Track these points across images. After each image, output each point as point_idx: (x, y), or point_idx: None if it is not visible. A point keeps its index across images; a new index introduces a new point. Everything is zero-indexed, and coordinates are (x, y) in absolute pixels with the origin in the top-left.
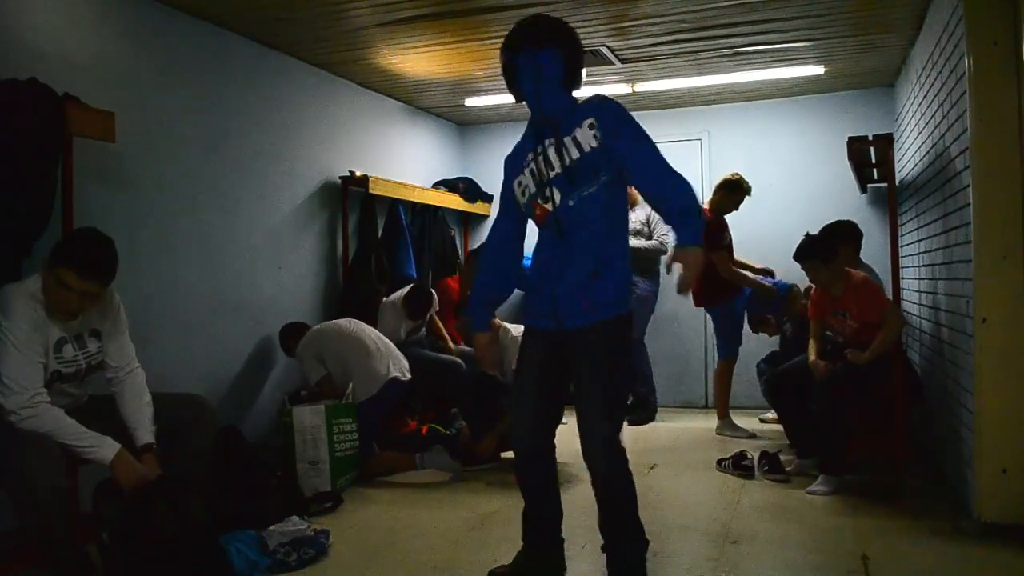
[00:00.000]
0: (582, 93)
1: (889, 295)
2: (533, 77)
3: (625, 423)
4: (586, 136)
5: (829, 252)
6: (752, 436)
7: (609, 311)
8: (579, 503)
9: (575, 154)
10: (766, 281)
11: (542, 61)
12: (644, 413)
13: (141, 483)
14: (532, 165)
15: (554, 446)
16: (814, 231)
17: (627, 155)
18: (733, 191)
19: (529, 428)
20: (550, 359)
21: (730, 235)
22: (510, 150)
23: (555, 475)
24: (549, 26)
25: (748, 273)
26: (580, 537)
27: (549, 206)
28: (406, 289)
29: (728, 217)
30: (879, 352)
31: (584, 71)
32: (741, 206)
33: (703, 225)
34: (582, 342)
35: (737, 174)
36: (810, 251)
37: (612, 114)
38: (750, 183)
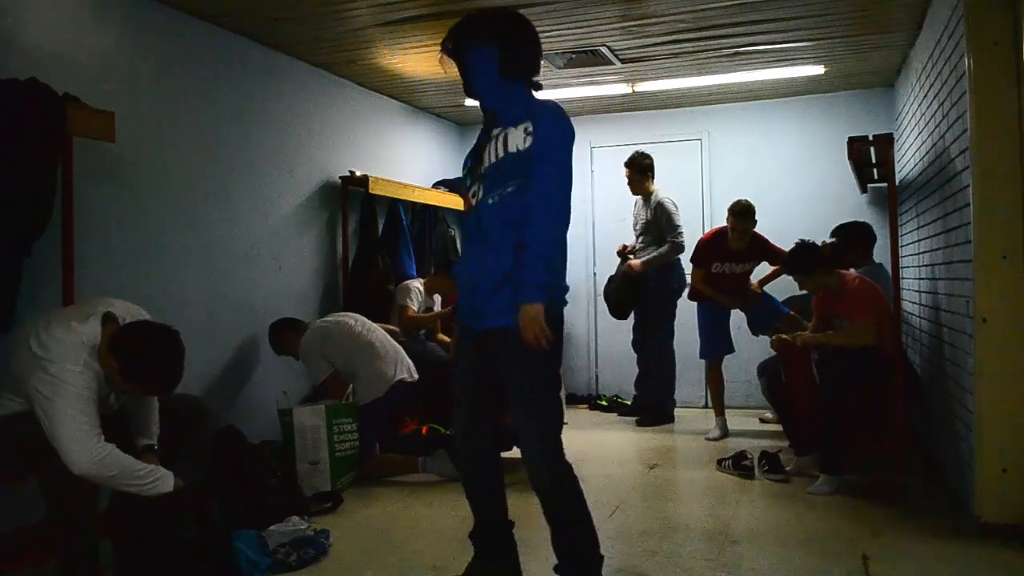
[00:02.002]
0: (581, 93)
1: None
2: (468, 76)
3: (636, 423)
4: (517, 137)
5: (806, 267)
6: (718, 438)
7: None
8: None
9: (501, 153)
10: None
11: (470, 61)
12: (658, 414)
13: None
14: (472, 158)
15: (495, 447)
16: (814, 231)
17: (533, 162)
18: (731, 213)
19: (468, 432)
20: (478, 359)
21: (740, 268)
22: None
23: (499, 478)
24: (473, 24)
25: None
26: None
27: (474, 200)
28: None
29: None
30: (829, 343)
31: (529, 58)
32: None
33: (546, 279)
34: (501, 344)
35: (743, 200)
36: (788, 265)
37: (546, 121)
38: (745, 204)
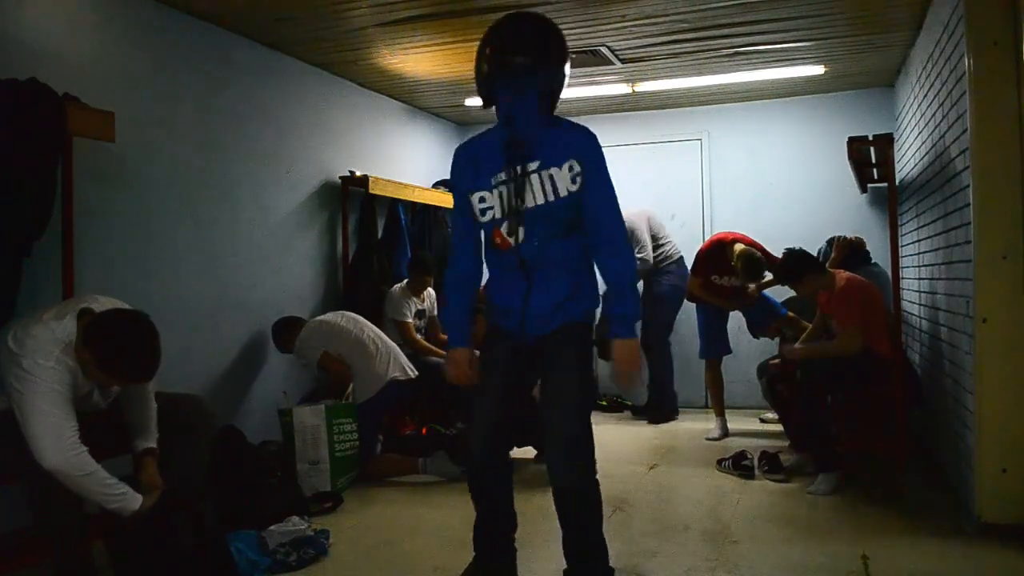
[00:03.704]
0: (581, 93)
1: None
2: (513, 92)
3: (646, 421)
4: (564, 179)
5: (795, 274)
6: (718, 438)
7: (574, 317)
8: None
9: (551, 196)
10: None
11: (528, 79)
12: (665, 411)
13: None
14: (503, 189)
15: (510, 452)
16: (814, 231)
17: (590, 203)
18: (743, 267)
19: (488, 432)
20: (515, 360)
21: (739, 281)
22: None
23: (510, 483)
24: (543, 39)
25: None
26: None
27: (512, 240)
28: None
29: (729, 215)
30: (818, 355)
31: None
32: (741, 216)
33: (637, 307)
34: (549, 343)
35: (746, 255)
36: (781, 276)
37: (592, 158)
38: (746, 262)
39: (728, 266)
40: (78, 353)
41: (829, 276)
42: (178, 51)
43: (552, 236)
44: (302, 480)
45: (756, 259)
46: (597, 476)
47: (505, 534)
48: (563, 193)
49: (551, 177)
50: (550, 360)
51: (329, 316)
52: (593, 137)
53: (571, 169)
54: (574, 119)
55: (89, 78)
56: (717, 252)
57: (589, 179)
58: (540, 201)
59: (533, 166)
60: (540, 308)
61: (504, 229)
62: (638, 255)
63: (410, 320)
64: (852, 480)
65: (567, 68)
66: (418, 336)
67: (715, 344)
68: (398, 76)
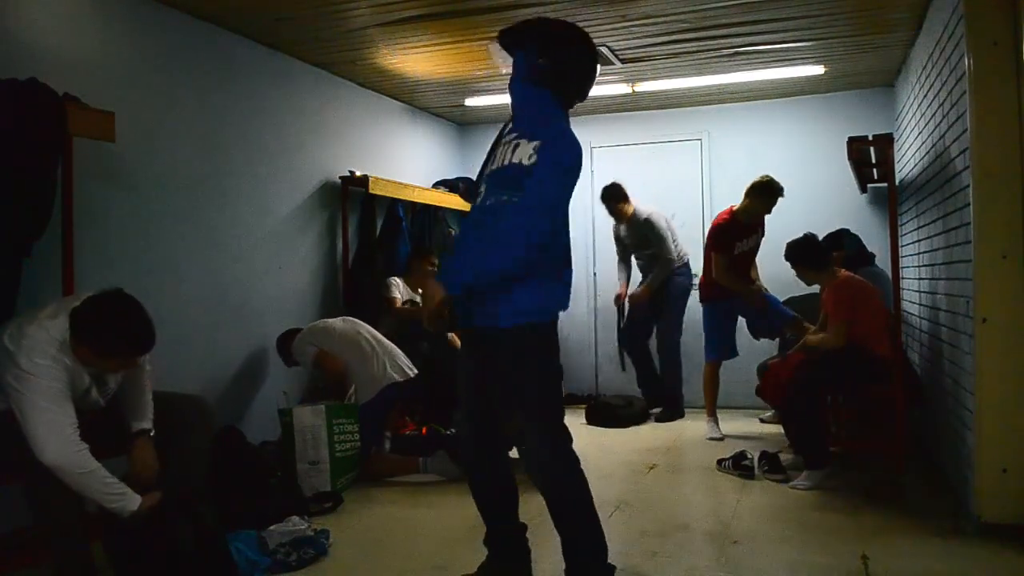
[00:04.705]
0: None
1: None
2: (514, 72)
3: (654, 419)
4: (526, 152)
5: (792, 258)
6: (721, 438)
7: (522, 318)
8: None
9: (508, 160)
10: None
11: (518, 60)
12: (673, 411)
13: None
14: (489, 156)
15: (502, 452)
16: (814, 230)
17: (530, 183)
18: (760, 194)
19: (467, 434)
20: (479, 361)
21: (753, 241)
22: None
23: (509, 483)
24: (530, 26)
25: (756, 281)
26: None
27: (477, 199)
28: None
29: None
30: (806, 349)
31: (558, 73)
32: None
33: (468, 282)
34: (498, 345)
35: (766, 176)
36: (785, 254)
37: (552, 147)
38: (780, 183)
39: (744, 228)
40: (74, 349)
41: (828, 273)
42: (178, 51)
43: (498, 200)
44: (302, 480)
45: (769, 179)
46: (575, 475)
47: (512, 533)
48: (516, 160)
49: (517, 145)
50: (499, 368)
51: (323, 321)
52: (566, 137)
53: (535, 149)
54: (574, 119)
55: (89, 78)
56: (730, 220)
57: (536, 165)
58: (502, 163)
59: (511, 136)
60: (480, 278)
61: (477, 191)
62: (661, 254)
63: (397, 296)
64: (852, 480)
65: (552, 46)
66: (403, 306)
67: (722, 347)
68: (398, 76)
